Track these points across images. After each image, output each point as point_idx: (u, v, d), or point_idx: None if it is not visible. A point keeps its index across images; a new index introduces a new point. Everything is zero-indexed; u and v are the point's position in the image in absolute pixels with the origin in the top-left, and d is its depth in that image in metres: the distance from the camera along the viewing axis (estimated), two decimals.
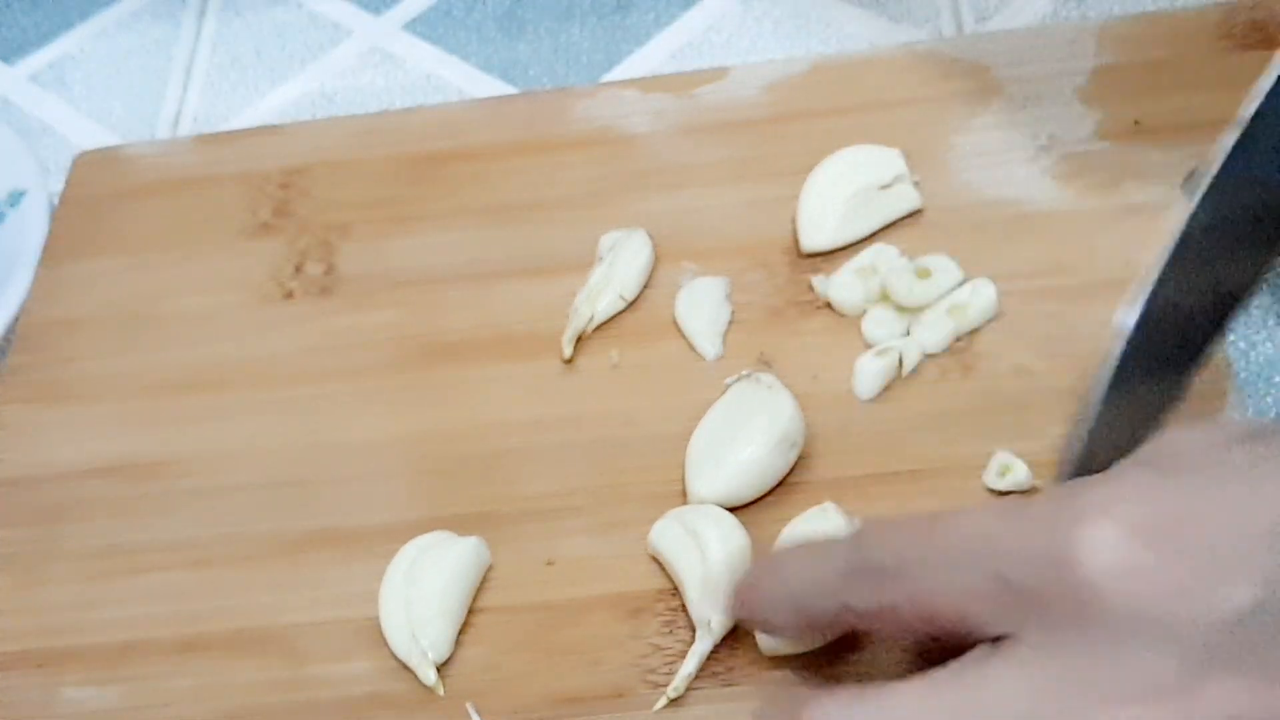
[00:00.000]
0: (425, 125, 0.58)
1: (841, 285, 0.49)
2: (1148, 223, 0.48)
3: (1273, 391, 0.47)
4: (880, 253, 0.49)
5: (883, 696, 0.34)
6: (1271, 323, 0.48)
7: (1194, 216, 0.37)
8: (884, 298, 0.48)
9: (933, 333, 0.47)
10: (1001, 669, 0.32)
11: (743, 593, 0.40)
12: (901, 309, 0.48)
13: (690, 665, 0.41)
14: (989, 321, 0.47)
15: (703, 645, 0.42)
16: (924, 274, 0.48)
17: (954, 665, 0.33)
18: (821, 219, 0.50)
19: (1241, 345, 0.48)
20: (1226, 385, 0.44)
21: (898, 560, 0.34)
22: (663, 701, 0.41)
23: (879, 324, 0.48)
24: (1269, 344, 0.47)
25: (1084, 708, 0.31)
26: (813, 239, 0.50)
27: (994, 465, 0.44)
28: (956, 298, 0.48)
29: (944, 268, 0.49)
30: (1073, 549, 0.31)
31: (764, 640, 0.41)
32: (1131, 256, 0.47)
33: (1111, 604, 0.31)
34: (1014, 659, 0.32)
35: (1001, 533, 0.33)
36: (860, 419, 0.46)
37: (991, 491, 0.43)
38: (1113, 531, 0.31)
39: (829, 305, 0.49)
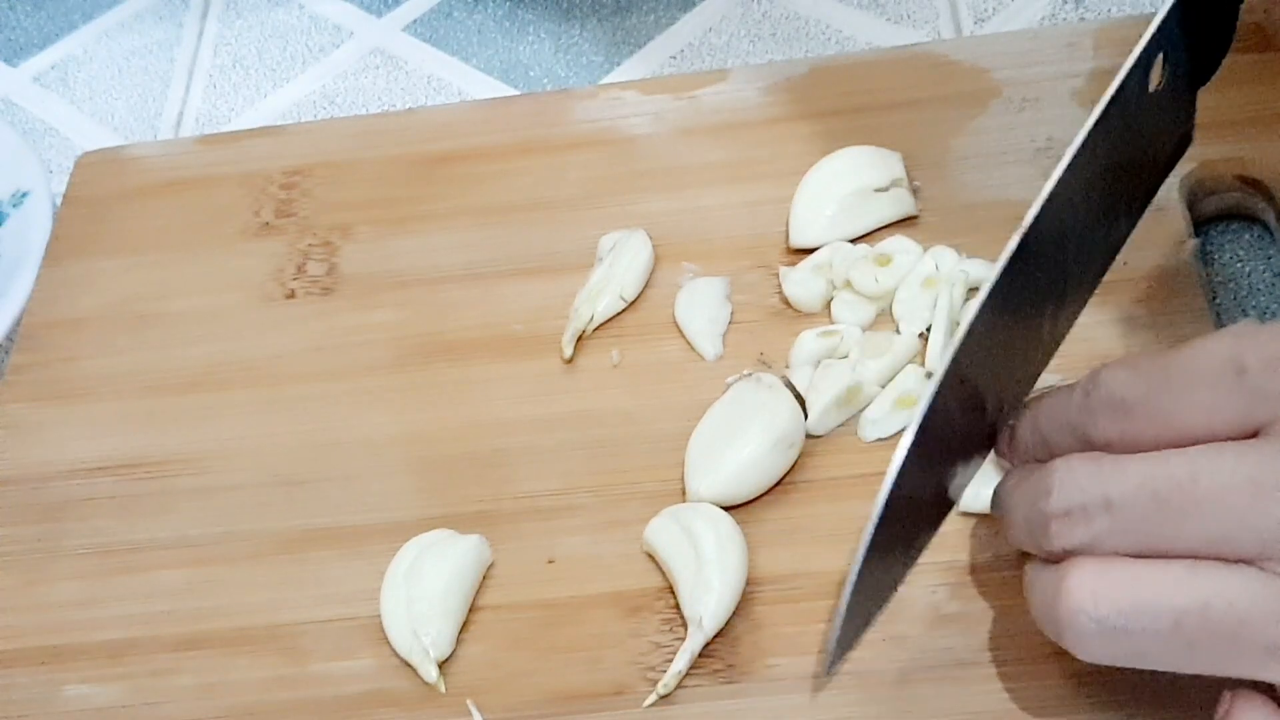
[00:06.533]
0: (426, 126, 0.58)
1: (797, 282, 0.49)
2: (1146, 225, 0.48)
3: None
4: (838, 249, 0.50)
5: (1117, 459, 0.35)
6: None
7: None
8: (847, 286, 0.49)
9: (913, 307, 0.47)
10: (1237, 448, 0.33)
11: (1006, 439, 0.41)
12: (870, 299, 0.48)
13: (681, 662, 0.42)
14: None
15: (694, 642, 0.42)
16: (884, 261, 0.48)
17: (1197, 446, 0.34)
18: (814, 216, 0.50)
19: None
20: None
21: (1138, 391, 0.35)
22: (652, 698, 0.42)
23: (844, 307, 0.48)
24: None
25: None
26: (803, 234, 0.50)
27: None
28: (922, 270, 0.48)
29: (904, 249, 0.49)
30: None
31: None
32: (1130, 257, 0.48)
33: None
34: (1250, 444, 0.33)
35: (1242, 348, 0.34)
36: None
37: None
38: None
39: (786, 302, 0.49)
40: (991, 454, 0.42)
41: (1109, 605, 0.34)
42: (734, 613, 0.42)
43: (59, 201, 0.59)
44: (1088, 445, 0.36)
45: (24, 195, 0.60)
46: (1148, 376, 0.35)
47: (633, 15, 0.64)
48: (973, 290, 0.48)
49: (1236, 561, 0.33)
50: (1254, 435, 0.34)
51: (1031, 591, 0.37)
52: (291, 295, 0.54)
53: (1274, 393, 0.33)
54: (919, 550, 0.40)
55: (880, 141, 0.52)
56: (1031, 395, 0.40)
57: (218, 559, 0.47)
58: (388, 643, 0.44)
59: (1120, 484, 0.34)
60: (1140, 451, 0.35)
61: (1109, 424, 0.36)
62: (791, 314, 0.49)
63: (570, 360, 0.50)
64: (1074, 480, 0.35)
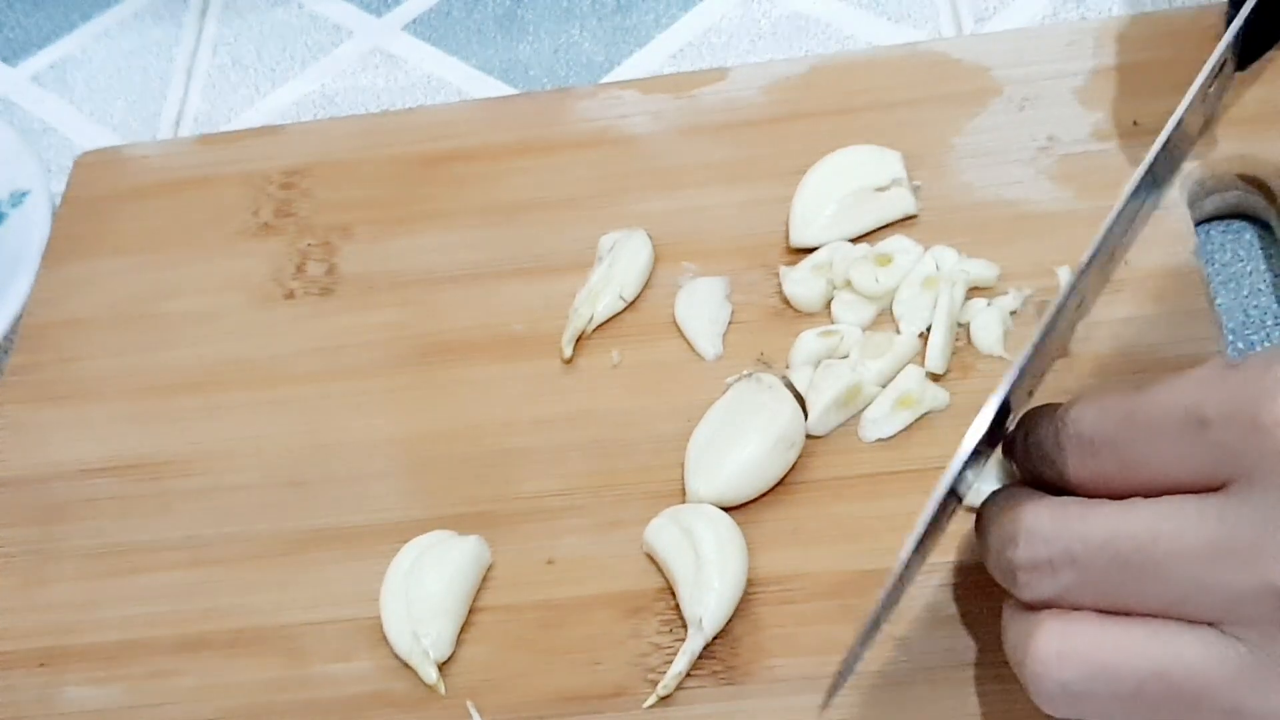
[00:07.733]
0: (426, 126, 0.58)
1: (797, 282, 0.49)
2: (1146, 224, 0.48)
3: None
4: (838, 249, 0.50)
5: (1084, 510, 0.35)
6: (1270, 323, 0.48)
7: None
8: (847, 286, 0.49)
9: (913, 307, 0.47)
10: (1199, 506, 0.33)
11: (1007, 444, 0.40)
12: (871, 298, 0.48)
13: (680, 664, 0.41)
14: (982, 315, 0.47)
15: (693, 644, 0.42)
16: (884, 260, 0.48)
17: (1161, 498, 0.34)
18: (814, 215, 0.50)
19: (1240, 345, 0.48)
20: None
21: (1104, 433, 0.35)
22: (653, 699, 0.42)
23: (844, 307, 0.48)
24: (1268, 345, 0.48)
25: (1271, 551, 0.32)
26: (803, 234, 0.50)
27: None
28: (922, 270, 0.48)
29: (904, 248, 0.49)
30: (1276, 413, 0.32)
31: None
32: (1130, 257, 0.48)
33: None
34: (1211, 503, 0.33)
35: (1203, 398, 0.33)
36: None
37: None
38: None
39: (786, 302, 0.49)
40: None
41: (1072, 670, 0.34)
42: (734, 614, 0.42)
43: (58, 201, 0.59)
44: (1064, 480, 0.36)
45: (23, 195, 0.59)
46: (1114, 419, 0.35)
47: (633, 15, 0.64)
48: (973, 290, 0.48)
49: (1199, 623, 0.33)
50: (1221, 486, 0.33)
51: (1005, 637, 0.37)
52: (291, 295, 0.54)
53: (1236, 449, 0.33)
54: (929, 551, 0.40)
55: (880, 141, 0.52)
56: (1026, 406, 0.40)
57: (218, 559, 0.47)
58: (388, 644, 0.44)
59: (1084, 540, 0.34)
60: (1113, 492, 0.35)
61: (1079, 465, 0.36)
62: (791, 314, 0.49)
63: (570, 360, 0.50)
64: (1040, 532, 0.35)
